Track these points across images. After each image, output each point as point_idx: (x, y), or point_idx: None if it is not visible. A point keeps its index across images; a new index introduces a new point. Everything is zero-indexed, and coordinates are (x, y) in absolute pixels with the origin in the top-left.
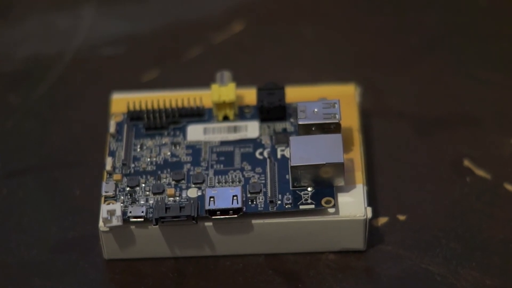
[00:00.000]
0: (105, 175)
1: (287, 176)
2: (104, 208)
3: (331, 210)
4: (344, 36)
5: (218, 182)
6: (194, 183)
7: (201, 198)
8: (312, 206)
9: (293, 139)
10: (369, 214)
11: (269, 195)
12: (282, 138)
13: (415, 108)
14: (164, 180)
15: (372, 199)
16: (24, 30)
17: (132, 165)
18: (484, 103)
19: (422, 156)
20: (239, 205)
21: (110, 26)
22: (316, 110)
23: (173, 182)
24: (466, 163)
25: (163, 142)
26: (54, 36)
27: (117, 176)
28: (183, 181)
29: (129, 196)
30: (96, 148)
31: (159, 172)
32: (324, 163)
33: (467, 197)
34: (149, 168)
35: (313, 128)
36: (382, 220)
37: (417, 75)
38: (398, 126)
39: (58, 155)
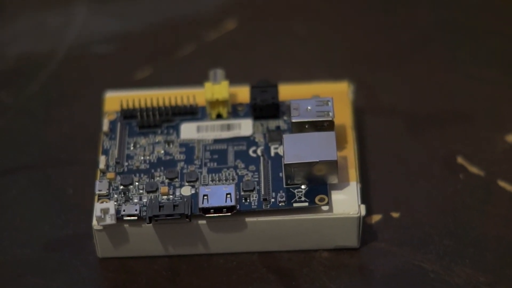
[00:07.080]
0: (99, 174)
1: (280, 174)
2: (98, 207)
3: (325, 207)
4: (337, 33)
5: (212, 180)
6: (188, 181)
7: (194, 196)
8: (306, 204)
9: (286, 137)
10: (363, 212)
11: (262, 193)
12: (276, 136)
13: (408, 105)
14: (158, 178)
15: (365, 196)
16: (16, 29)
17: (126, 164)
18: (477, 100)
19: (415, 153)
20: (233, 203)
21: (103, 24)
22: (309, 107)
23: (166, 180)
24: (460, 160)
25: (157, 140)
26: (46, 34)
27: (110, 175)
28: (176, 179)
29: (122, 195)
30: (89, 146)
31: (152, 171)
32: (318, 160)
33: (460, 194)
34: (142, 166)
35: (306, 126)
36: (376, 218)
37: (410, 72)
38: (391, 123)
39: (51, 154)
